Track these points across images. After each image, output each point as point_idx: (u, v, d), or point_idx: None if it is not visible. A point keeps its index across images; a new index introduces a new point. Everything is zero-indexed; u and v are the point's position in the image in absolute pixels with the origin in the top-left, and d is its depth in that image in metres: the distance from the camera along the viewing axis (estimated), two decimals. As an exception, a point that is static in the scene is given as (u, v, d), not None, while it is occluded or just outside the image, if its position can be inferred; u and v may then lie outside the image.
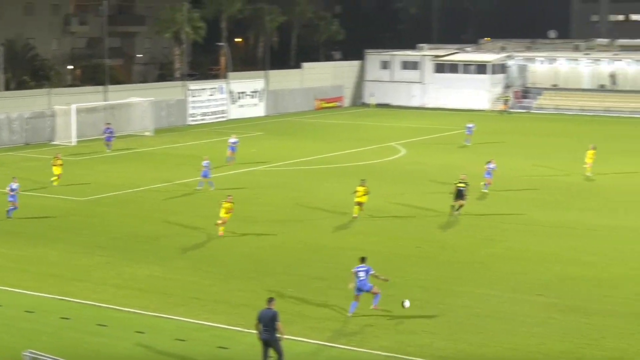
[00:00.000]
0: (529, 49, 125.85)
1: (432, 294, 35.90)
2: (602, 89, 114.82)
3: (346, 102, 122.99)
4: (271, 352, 26.86)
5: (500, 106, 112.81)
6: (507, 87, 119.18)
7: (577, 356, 29.20)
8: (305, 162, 70.79)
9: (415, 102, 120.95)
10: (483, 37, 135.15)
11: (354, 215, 48.82)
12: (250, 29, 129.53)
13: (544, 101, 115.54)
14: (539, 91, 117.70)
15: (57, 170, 59.04)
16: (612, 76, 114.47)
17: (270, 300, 27.35)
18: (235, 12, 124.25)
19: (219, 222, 45.00)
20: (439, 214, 50.69)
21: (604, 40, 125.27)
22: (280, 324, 26.79)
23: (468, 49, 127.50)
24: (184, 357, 28.67)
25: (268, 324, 26.75)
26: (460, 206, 49.60)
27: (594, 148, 63.98)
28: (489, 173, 57.17)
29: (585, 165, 63.17)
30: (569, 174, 64.22)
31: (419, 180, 62.33)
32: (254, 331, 27.26)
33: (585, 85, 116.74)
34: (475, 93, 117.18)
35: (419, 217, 50.49)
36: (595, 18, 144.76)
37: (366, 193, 49.08)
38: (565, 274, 38.86)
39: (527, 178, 62.61)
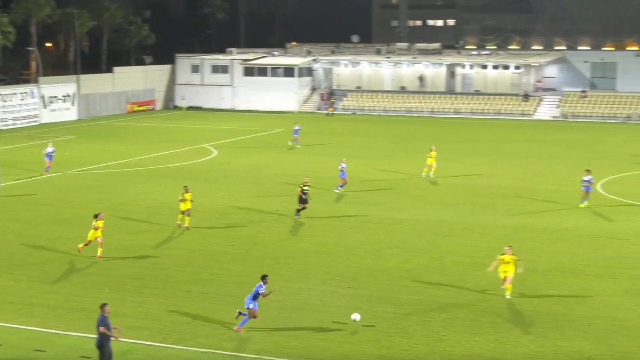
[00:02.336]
0: (333, 52, 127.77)
1: (246, 290, 36.00)
2: (402, 90, 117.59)
3: (158, 105, 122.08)
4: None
5: (329, 109, 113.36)
6: (314, 89, 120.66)
7: (386, 344, 29.97)
8: (118, 164, 69.92)
9: (226, 105, 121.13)
10: (289, 42, 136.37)
11: (178, 222, 46.91)
12: (60, 34, 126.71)
13: (349, 102, 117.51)
14: (344, 93, 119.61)
15: None
16: (421, 78, 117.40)
17: (101, 306, 26.83)
18: (45, 16, 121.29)
19: (85, 245, 41.06)
20: (250, 211, 51.06)
21: (403, 45, 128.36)
22: (102, 329, 26.30)
23: (275, 52, 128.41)
24: (1, 361, 28.05)
25: (97, 330, 26.44)
26: (303, 209, 49.38)
27: (434, 150, 63.88)
28: (343, 173, 57.48)
29: (426, 170, 63.30)
30: (368, 171, 65.58)
31: (232, 180, 62.55)
32: (73, 333, 26.87)
33: (387, 87, 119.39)
34: (283, 95, 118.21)
35: (231, 215, 50.65)
36: (395, 23, 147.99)
37: (190, 200, 46.84)
38: (371, 266, 39.72)
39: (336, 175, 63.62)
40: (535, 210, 51.86)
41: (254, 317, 30.90)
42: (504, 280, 34.64)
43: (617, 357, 28.72)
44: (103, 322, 26.30)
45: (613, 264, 40.22)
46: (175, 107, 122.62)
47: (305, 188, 49.42)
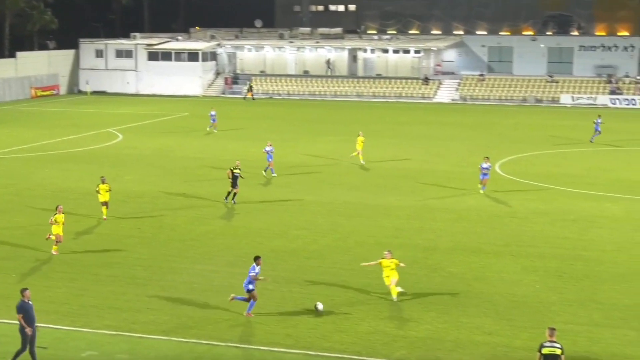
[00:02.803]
0: (237, 37, 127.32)
1: (154, 272, 35.90)
2: (306, 74, 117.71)
3: (62, 90, 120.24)
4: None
5: (247, 93, 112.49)
6: (218, 73, 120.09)
7: (293, 323, 30.04)
8: (22, 149, 68.71)
9: (130, 89, 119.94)
10: (193, 27, 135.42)
11: (104, 217, 44.78)
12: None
13: (254, 87, 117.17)
14: (248, 77, 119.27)
15: None
16: (329, 63, 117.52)
17: (21, 291, 26.31)
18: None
19: (52, 237, 38.41)
20: (157, 195, 50.73)
21: (306, 29, 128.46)
22: (19, 316, 25.82)
23: (179, 37, 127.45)
24: None
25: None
26: (235, 194, 48.83)
27: (362, 135, 63.18)
28: (270, 156, 56.93)
29: (355, 154, 62.42)
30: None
31: (138, 164, 61.99)
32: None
33: (291, 71, 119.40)
34: (188, 80, 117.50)
35: (138, 198, 50.21)
36: (297, 8, 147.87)
37: (109, 190, 44.93)
38: (278, 247, 39.77)
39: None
40: (436, 191, 52.45)
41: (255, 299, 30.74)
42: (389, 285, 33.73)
43: (516, 332, 29.23)
44: (22, 308, 25.80)
45: (511, 242, 40.91)
46: (80, 92, 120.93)
47: (235, 171, 48.84)
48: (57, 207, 38.85)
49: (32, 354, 25.86)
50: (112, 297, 32.58)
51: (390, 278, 32.79)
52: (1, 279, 34.71)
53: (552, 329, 23.63)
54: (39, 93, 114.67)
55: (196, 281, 34.63)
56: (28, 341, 25.71)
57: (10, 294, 31.97)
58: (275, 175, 56.86)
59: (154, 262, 37.35)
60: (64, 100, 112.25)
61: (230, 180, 48.80)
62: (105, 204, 44.80)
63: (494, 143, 72.13)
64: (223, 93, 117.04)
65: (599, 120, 73.55)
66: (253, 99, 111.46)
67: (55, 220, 38.08)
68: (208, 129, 79.82)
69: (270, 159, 57.08)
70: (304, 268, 36.62)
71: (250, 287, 30.50)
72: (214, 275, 35.44)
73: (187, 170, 59.47)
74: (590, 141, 72.92)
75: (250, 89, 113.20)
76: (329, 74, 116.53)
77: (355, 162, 61.94)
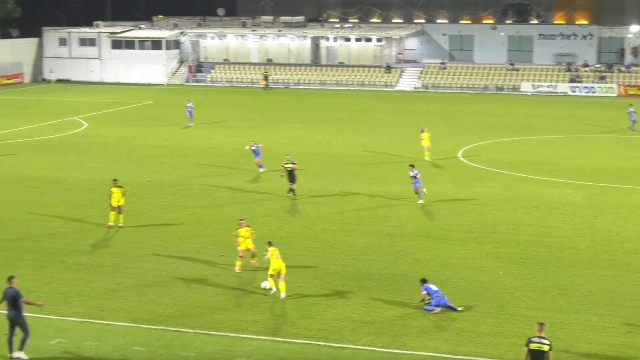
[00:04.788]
0: (200, 25, 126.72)
1: (121, 259, 35.69)
2: (269, 62, 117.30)
3: (26, 78, 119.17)
4: (17, 330, 25.94)
5: (262, 82, 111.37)
6: (182, 62, 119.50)
7: (261, 309, 29.99)
8: (-13, 137, 68.15)
9: (94, 77, 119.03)
10: (156, 15, 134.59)
11: (111, 223, 40.80)
12: None
13: (217, 74, 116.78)
14: (212, 65, 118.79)
15: None
16: (266, 78, 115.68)
17: (10, 278, 26.26)
18: None
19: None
20: (121, 183, 50.31)
21: (268, 18, 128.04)
22: (27, 299, 26.05)
23: (142, 26, 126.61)
24: None
25: (11, 303, 25.80)
26: (292, 189, 47.37)
27: (427, 131, 59.89)
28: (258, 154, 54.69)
29: (427, 154, 58.98)
30: (238, 142, 65.40)
31: (103, 152, 61.55)
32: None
33: (254, 59, 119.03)
34: (152, 68, 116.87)
35: (103, 186, 49.65)
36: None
37: (124, 194, 41.14)
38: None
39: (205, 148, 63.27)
40: (399, 178, 52.40)
41: None
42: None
43: (481, 318, 29.32)
44: (20, 294, 25.89)
45: (475, 228, 41.06)
46: (44, 80, 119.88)
47: (287, 166, 47.30)
48: (239, 221, 35.37)
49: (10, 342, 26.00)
50: (80, 285, 32.39)
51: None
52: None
53: (542, 324, 23.36)
54: (3, 81, 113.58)
55: (163, 268, 34.47)
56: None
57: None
58: (264, 170, 54.31)
59: (121, 250, 37.13)
60: (28, 89, 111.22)
61: (286, 176, 47.36)
62: (117, 208, 40.72)
63: (456, 130, 72.31)
64: (187, 81, 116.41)
65: (632, 110, 73.73)
66: (267, 88, 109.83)
67: (245, 235, 34.68)
68: (189, 124, 75.00)
69: (258, 157, 54.61)
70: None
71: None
72: (181, 263, 35.28)
73: (151, 158, 59.16)
74: (632, 129, 72.70)
75: (265, 78, 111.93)
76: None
77: (315, 151, 61.88)
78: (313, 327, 28.46)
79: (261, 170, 54.48)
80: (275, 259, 31.58)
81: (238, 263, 34.06)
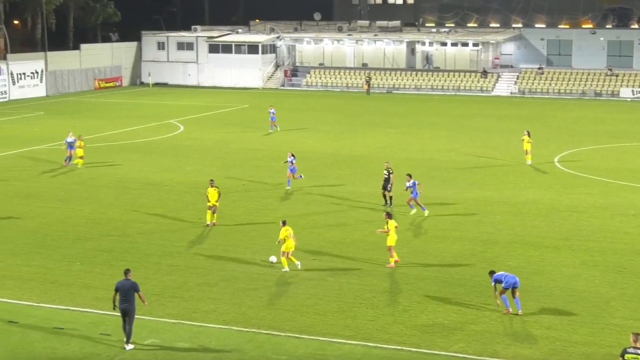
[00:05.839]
0: (296, 30, 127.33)
1: (214, 262, 36.04)
2: (365, 67, 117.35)
3: (125, 81, 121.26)
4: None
5: (365, 86, 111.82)
6: (278, 66, 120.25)
7: (352, 314, 29.99)
8: (87, 140, 69.12)
9: (191, 81, 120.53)
10: (253, 19, 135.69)
11: (207, 222, 41.98)
12: (27, 11, 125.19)
13: (312, 79, 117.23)
14: (307, 69, 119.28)
15: None
16: (427, 57, 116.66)
17: (127, 271, 27.37)
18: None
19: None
20: (226, 185, 50.85)
21: (364, 22, 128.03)
22: (142, 294, 27.13)
23: (239, 30, 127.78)
24: (-26, 333, 27.77)
25: (126, 294, 26.76)
26: (390, 196, 46.32)
27: (529, 134, 59.37)
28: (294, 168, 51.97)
29: (528, 157, 58.68)
30: (330, 145, 65.53)
31: (198, 155, 62.25)
32: (45, 305, 26.61)
33: (349, 64, 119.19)
34: (248, 72, 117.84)
35: (198, 189, 50.25)
36: (355, 1, 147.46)
37: (219, 195, 42.23)
38: (335, 238, 39.71)
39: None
40: (494, 184, 52.00)
41: None
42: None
43: (575, 327, 28.87)
44: (137, 287, 27.14)
45: (571, 236, 40.44)
46: (142, 84, 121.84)
47: (384, 173, 46.38)
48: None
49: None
50: (173, 286, 32.78)
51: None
52: (65, 267, 35.11)
53: (637, 335, 22.54)
54: (103, 84, 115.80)
55: (256, 271, 34.68)
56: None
57: (74, 281, 32.50)
58: (302, 177, 51.71)
59: (214, 252, 37.48)
60: (126, 92, 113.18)
61: (383, 184, 46.45)
62: (212, 207, 41.81)
63: (553, 136, 71.36)
64: (282, 85, 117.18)
65: None
66: (368, 92, 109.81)
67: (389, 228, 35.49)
68: (271, 130, 74.11)
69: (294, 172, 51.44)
70: (362, 260, 36.50)
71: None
72: (274, 265, 35.44)
73: (246, 161, 59.63)
74: None
75: (367, 82, 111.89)
76: (428, 68, 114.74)
77: (409, 156, 61.66)
78: (405, 332, 28.35)
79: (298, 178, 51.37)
80: (289, 239, 34.29)
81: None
